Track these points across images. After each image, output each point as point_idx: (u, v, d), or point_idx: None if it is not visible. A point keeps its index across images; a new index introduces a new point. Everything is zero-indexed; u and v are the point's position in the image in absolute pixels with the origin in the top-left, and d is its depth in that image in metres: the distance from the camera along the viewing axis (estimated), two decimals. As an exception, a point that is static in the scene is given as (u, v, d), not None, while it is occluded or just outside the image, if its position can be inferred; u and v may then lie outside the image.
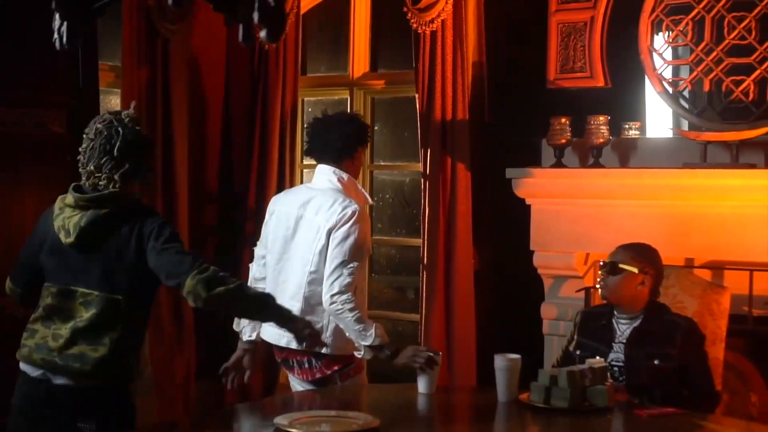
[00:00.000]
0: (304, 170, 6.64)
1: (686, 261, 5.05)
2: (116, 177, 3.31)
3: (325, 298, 4.00)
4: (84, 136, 3.37)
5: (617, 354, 3.88)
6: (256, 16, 2.29)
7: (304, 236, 4.17)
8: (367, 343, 3.99)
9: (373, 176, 6.42)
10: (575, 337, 4.07)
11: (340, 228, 4.04)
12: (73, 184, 3.38)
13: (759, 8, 4.89)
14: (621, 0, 5.24)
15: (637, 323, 3.92)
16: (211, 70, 6.35)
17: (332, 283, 3.99)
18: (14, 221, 5.06)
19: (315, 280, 4.10)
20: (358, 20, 6.33)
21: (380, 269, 6.52)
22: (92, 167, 3.32)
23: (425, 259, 5.62)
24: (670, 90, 5.14)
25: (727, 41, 4.97)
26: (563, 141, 5.20)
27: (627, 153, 5.25)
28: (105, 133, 3.32)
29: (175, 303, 5.85)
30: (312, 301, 4.13)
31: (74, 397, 3.30)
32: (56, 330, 3.30)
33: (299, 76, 6.21)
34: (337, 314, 3.99)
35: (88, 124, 3.40)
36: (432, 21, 5.52)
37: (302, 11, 6.17)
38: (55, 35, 2.39)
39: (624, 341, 3.89)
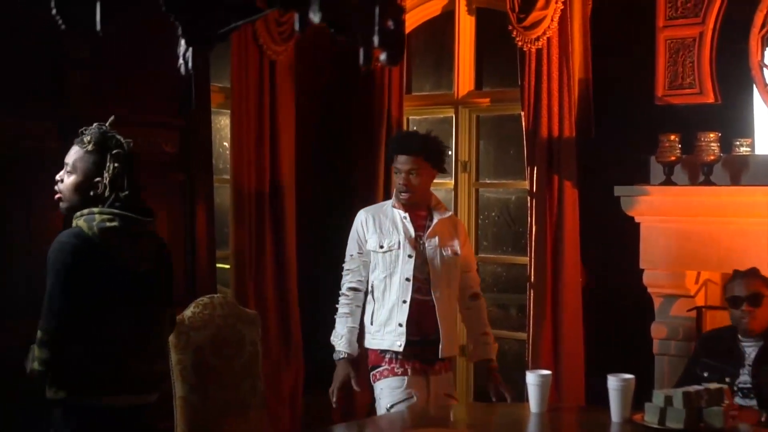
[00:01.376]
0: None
1: (801, 280, 4.94)
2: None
3: None
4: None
5: (745, 376, 3.86)
6: (375, 39, 2.31)
7: None
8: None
9: (478, 194, 6.42)
10: (701, 359, 4.04)
11: None
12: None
13: None
14: (730, 15, 5.17)
15: (761, 344, 3.91)
16: (316, 89, 6.43)
17: None
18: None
19: None
20: (462, 39, 6.35)
21: (486, 287, 6.50)
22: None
23: (532, 277, 5.60)
24: (783, 105, 5.05)
25: (840, 55, 4.88)
26: (673, 158, 5.13)
27: (738, 170, 5.15)
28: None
29: (281, 319, 5.93)
30: None
31: None
32: None
33: (404, 95, 6.26)
34: None
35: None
36: (538, 39, 5.51)
37: (407, 31, 6.23)
38: (180, 60, 2.46)
39: (751, 363, 3.86)
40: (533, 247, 5.57)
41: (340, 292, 4.64)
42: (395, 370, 4.41)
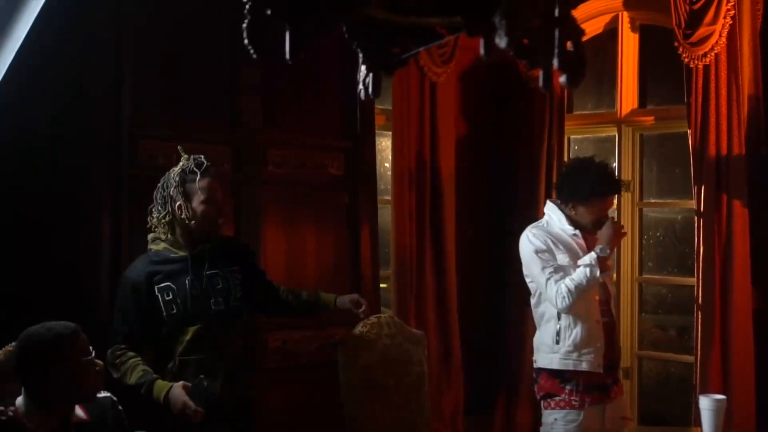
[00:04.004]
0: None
1: None
2: None
3: None
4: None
5: None
6: (555, 62, 2.31)
7: None
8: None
9: (642, 213, 6.31)
10: None
11: None
12: None
13: None
14: None
15: None
16: (477, 110, 6.45)
17: None
18: (296, 258, 5.30)
19: None
20: (626, 56, 6.27)
21: (649, 308, 6.39)
22: None
23: (700, 298, 5.46)
24: None
25: None
26: None
27: None
28: None
29: (442, 339, 5.96)
30: None
31: None
32: None
33: (566, 114, 6.22)
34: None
35: None
36: (705, 55, 5.40)
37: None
38: (360, 86, 2.51)
39: None
40: (701, 268, 5.44)
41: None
42: (573, 402, 4.32)
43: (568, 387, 4.30)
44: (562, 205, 4.50)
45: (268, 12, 2.05)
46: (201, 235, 3.87)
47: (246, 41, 2.21)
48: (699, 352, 5.45)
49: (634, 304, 6.29)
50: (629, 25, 6.25)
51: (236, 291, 3.91)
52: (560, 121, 6.17)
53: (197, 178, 3.81)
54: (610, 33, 6.34)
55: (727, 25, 5.35)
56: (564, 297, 4.22)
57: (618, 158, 6.29)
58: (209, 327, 3.83)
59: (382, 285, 5.90)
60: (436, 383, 5.90)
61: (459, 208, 6.14)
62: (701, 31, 5.39)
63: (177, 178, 3.82)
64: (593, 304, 4.31)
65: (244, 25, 2.09)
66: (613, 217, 4.44)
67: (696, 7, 5.42)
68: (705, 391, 5.09)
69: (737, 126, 5.36)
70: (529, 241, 4.45)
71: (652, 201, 6.34)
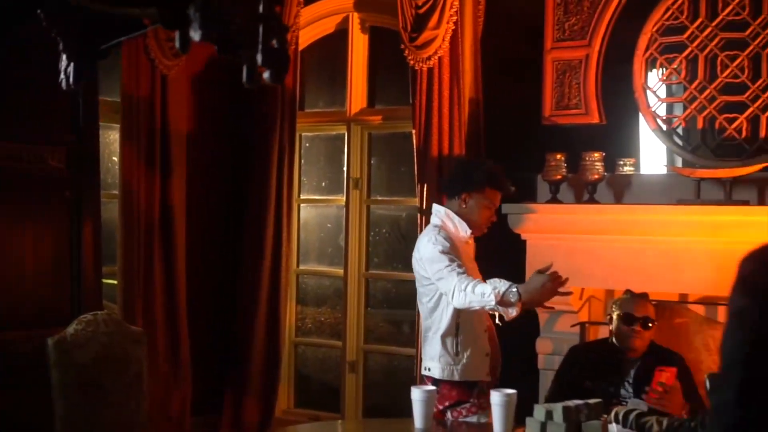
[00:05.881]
0: (301, 204, 6.69)
1: (680, 296, 5.09)
2: None
3: None
4: None
5: (624, 391, 4.01)
6: (259, 57, 2.32)
7: None
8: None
9: (369, 210, 6.45)
10: (584, 371, 4.14)
11: None
12: None
13: (751, 47, 4.95)
14: (616, 38, 5.31)
15: (639, 362, 4.06)
16: (208, 104, 6.39)
17: None
18: (12, 254, 5.09)
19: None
20: (355, 57, 6.40)
21: (376, 303, 6.54)
22: None
23: (421, 293, 5.64)
24: (664, 127, 5.19)
25: (720, 79, 5.04)
26: (558, 177, 5.25)
27: (621, 189, 5.30)
28: None
29: (170, 338, 5.88)
30: None
31: None
32: None
33: (297, 112, 6.27)
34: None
35: None
36: (429, 58, 5.58)
37: (301, 47, 6.25)
38: (62, 75, 2.44)
39: (631, 379, 4.02)
40: (423, 264, 5.61)
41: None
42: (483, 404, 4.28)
43: (475, 390, 4.25)
44: (452, 203, 4.42)
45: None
46: None
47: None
48: (420, 345, 5.61)
49: (361, 299, 6.43)
50: (359, 26, 6.38)
51: None
52: (292, 119, 6.20)
53: None
54: (342, 33, 6.45)
55: (450, 30, 5.55)
56: (462, 292, 3.99)
57: (347, 156, 6.42)
58: None
59: (110, 281, 5.75)
60: (163, 383, 5.81)
61: (190, 204, 6.07)
62: (426, 35, 5.57)
63: None
64: (485, 314, 4.29)
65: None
66: (555, 272, 3.99)
67: (421, 11, 5.59)
68: (424, 382, 5.24)
69: (458, 127, 5.56)
70: (432, 243, 4.25)
71: (380, 198, 6.49)
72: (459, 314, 4.23)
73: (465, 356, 4.25)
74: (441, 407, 4.24)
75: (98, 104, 5.44)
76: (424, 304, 4.39)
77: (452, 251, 4.21)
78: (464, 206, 4.37)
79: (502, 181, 4.41)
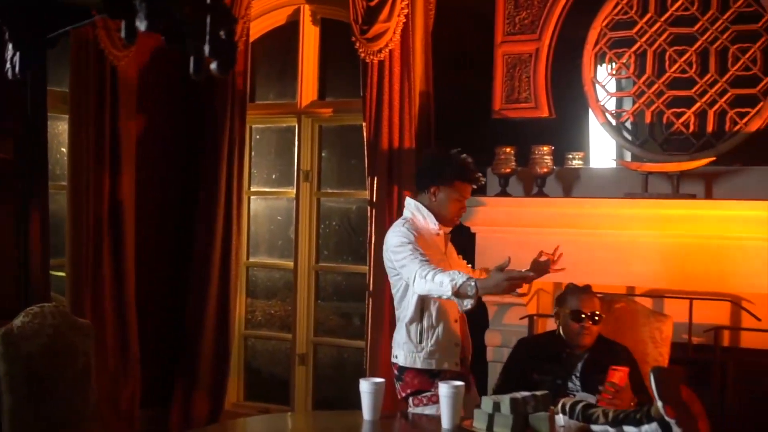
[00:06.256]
0: (252, 197, 6.67)
1: (627, 289, 5.14)
2: None
3: None
4: None
5: (572, 384, 4.04)
6: (206, 48, 2.31)
7: None
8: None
9: (319, 203, 6.45)
10: (533, 363, 4.17)
11: None
12: None
13: (699, 42, 5.02)
14: (566, 32, 5.34)
15: (586, 355, 4.09)
16: (159, 95, 6.35)
17: None
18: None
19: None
20: (306, 49, 6.38)
21: (326, 296, 6.54)
22: None
23: (371, 285, 5.66)
24: (613, 121, 5.25)
25: (668, 74, 5.10)
26: (508, 170, 5.28)
27: (570, 182, 5.34)
28: None
29: (119, 330, 5.84)
30: None
31: None
32: None
33: (247, 104, 6.24)
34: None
35: None
36: (380, 51, 5.59)
37: (251, 39, 6.22)
38: (8, 65, 2.41)
39: (579, 372, 4.06)
40: (372, 257, 5.63)
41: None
42: None
43: (437, 380, 4.17)
44: (422, 196, 4.42)
45: None
46: None
47: None
48: (369, 337, 5.64)
49: (311, 291, 6.43)
50: (311, 18, 6.37)
51: None
52: (242, 111, 6.18)
53: None
54: (293, 25, 6.43)
55: (401, 23, 5.55)
56: (422, 279, 3.99)
57: (297, 148, 6.41)
58: None
59: (59, 273, 5.70)
60: (112, 376, 5.77)
61: (140, 196, 6.03)
62: (377, 28, 5.57)
63: None
64: (451, 305, 4.26)
65: None
66: (513, 273, 4.00)
67: (372, 4, 5.59)
68: (375, 375, 5.27)
69: (409, 120, 5.56)
70: (397, 234, 4.27)
71: (329, 191, 6.49)
72: (422, 302, 4.28)
73: (429, 344, 4.29)
74: (404, 394, 4.32)
75: (47, 94, 5.37)
76: (394, 294, 4.45)
77: (418, 242, 4.23)
78: (434, 199, 4.39)
79: (471, 173, 4.42)
